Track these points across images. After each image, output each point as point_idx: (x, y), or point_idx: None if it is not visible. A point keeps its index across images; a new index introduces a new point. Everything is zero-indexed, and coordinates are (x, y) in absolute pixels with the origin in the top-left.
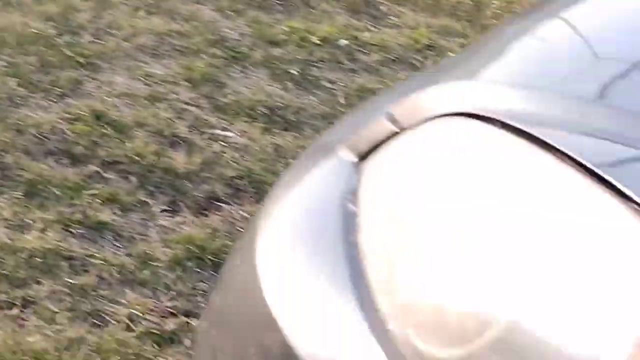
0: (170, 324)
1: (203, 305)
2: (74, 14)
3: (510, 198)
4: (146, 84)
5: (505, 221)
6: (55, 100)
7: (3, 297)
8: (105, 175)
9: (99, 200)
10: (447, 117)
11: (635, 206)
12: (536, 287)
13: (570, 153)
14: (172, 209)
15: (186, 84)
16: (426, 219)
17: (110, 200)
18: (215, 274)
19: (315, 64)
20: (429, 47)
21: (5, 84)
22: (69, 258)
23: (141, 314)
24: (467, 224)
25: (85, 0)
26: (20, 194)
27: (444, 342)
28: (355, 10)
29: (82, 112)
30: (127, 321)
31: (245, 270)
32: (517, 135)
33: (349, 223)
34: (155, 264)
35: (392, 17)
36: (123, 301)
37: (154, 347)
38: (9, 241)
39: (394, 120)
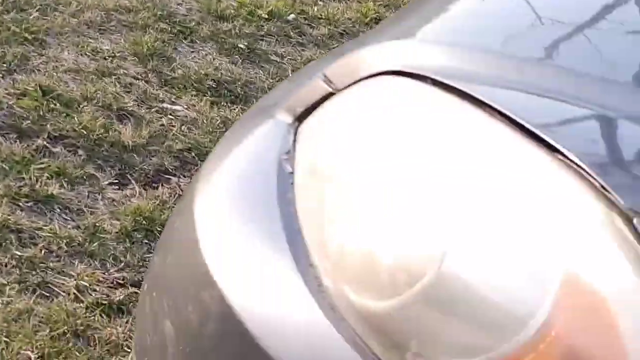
0: (119, 295)
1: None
2: None
3: (439, 152)
4: (94, 59)
5: (434, 176)
6: (1, 75)
7: None
8: (53, 149)
9: (47, 174)
10: (379, 76)
11: (562, 158)
12: (463, 238)
13: (497, 107)
14: (121, 182)
15: (134, 58)
16: (357, 176)
17: (58, 173)
18: None
19: (264, 38)
20: (377, 20)
21: None
22: (17, 231)
23: (90, 286)
24: (397, 179)
25: None
26: None
27: (376, 295)
28: None
29: (29, 88)
30: (76, 292)
31: (184, 231)
32: (448, 92)
33: (285, 182)
34: (103, 236)
35: None
36: (72, 273)
37: (102, 317)
38: None
39: (328, 82)
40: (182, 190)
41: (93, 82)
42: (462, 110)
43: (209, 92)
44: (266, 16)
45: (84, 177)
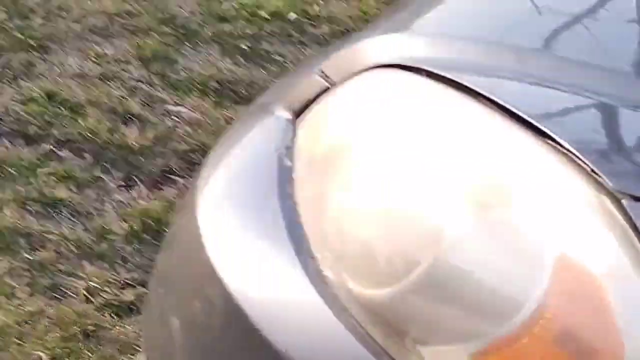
0: (129, 295)
1: None
2: None
3: (433, 143)
4: (98, 64)
5: (428, 166)
6: (7, 82)
7: None
8: (60, 153)
9: (54, 178)
10: (374, 70)
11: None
12: (458, 225)
13: (490, 96)
14: (128, 184)
15: (137, 62)
16: (355, 167)
17: (65, 177)
18: None
19: (266, 38)
20: (379, 16)
21: None
22: (27, 235)
23: (99, 287)
24: (393, 169)
25: None
26: None
27: (375, 283)
28: None
29: (35, 93)
30: (86, 293)
31: (188, 227)
32: (444, 84)
33: (285, 177)
34: (112, 237)
35: None
36: (81, 274)
37: (112, 317)
38: None
39: (325, 76)
40: None
41: (98, 86)
42: (455, 100)
43: (212, 93)
44: (267, 16)
45: (92, 180)
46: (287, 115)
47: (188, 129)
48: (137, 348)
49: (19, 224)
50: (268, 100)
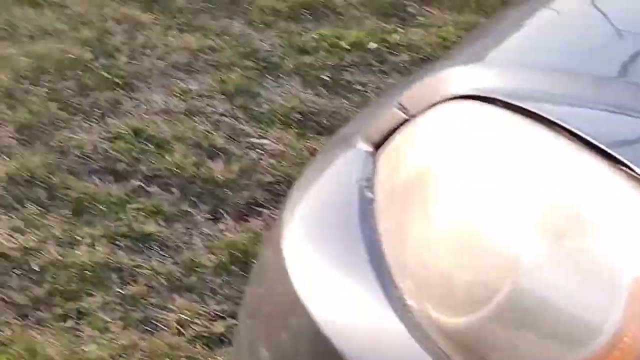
0: (219, 327)
1: None
2: (108, 38)
3: (512, 173)
4: (182, 100)
5: (507, 196)
6: (95, 121)
7: (58, 310)
8: (148, 189)
9: (143, 213)
10: (451, 101)
11: (629, 171)
12: (536, 253)
13: (566, 125)
14: (215, 217)
15: (221, 96)
16: (435, 198)
17: (154, 212)
18: None
19: (346, 69)
20: (457, 44)
21: (47, 109)
22: (118, 270)
23: (190, 319)
24: (472, 199)
25: (118, 23)
26: (68, 212)
27: (456, 312)
28: (383, 13)
29: (122, 131)
30: (177, 326)
31: (274, 259)
32: (520, 114)
33: (366, 208)
34: (201, 270)
35: (419, 18)
36: (172, 307)
37: (204, 349)
38: (60, 257)
39: (403, 108)
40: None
41: (183, 121)
42: (529, 130)
43: (295, 125)
44: (348, 47)
45: (179, 214)
46: (368, 147)
47: (272, 160)
48: None
49: (110, 259)
50: (349, 132)
